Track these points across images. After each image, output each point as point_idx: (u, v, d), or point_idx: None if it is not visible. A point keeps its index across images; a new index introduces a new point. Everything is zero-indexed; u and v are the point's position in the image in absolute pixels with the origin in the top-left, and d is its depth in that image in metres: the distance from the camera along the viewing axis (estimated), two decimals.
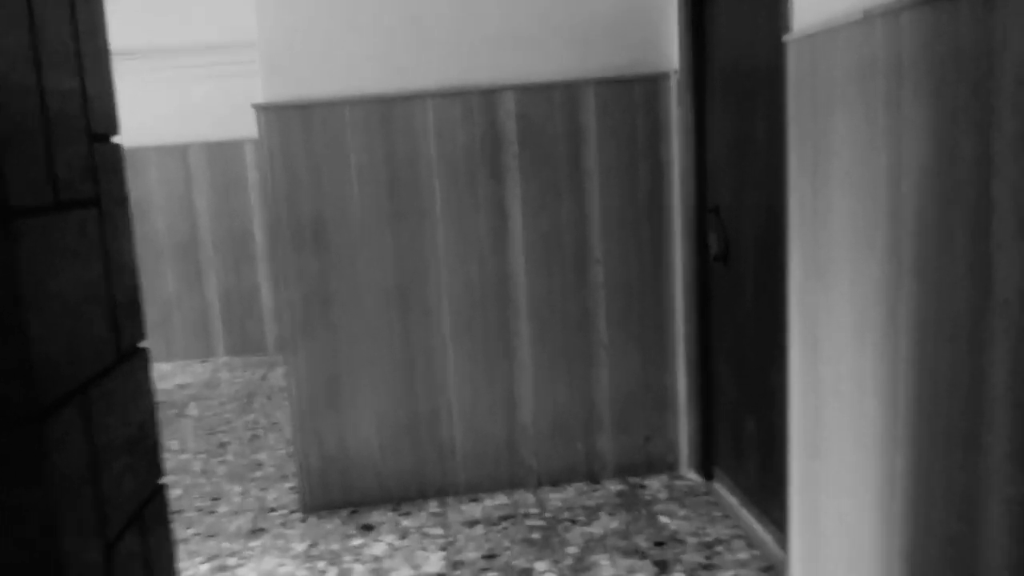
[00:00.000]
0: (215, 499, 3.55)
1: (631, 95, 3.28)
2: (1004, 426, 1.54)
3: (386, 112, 3.18)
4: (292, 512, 3.34)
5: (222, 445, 4.22)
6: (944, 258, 1.69)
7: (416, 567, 2.82)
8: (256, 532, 3.20)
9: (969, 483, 1.65)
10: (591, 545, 2.87)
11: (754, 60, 2.76)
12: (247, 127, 4.76)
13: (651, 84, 3.29)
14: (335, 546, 3.02)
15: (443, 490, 3.38)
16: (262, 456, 4.02)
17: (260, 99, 3.16)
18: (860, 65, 1.95)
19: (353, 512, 3.29)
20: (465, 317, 3.31)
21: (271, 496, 3.53)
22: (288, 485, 3.62)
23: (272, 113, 3.15)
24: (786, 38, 2.31)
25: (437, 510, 3.25)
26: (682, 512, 3.09)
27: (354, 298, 3.26)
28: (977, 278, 1.58)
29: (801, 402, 2.42)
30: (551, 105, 3.24)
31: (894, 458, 1.93)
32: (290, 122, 3.16)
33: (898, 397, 1.90)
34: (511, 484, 3.41)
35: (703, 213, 3.26)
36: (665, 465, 3.49)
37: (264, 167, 3.19)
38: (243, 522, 3.29)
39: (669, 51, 3.28)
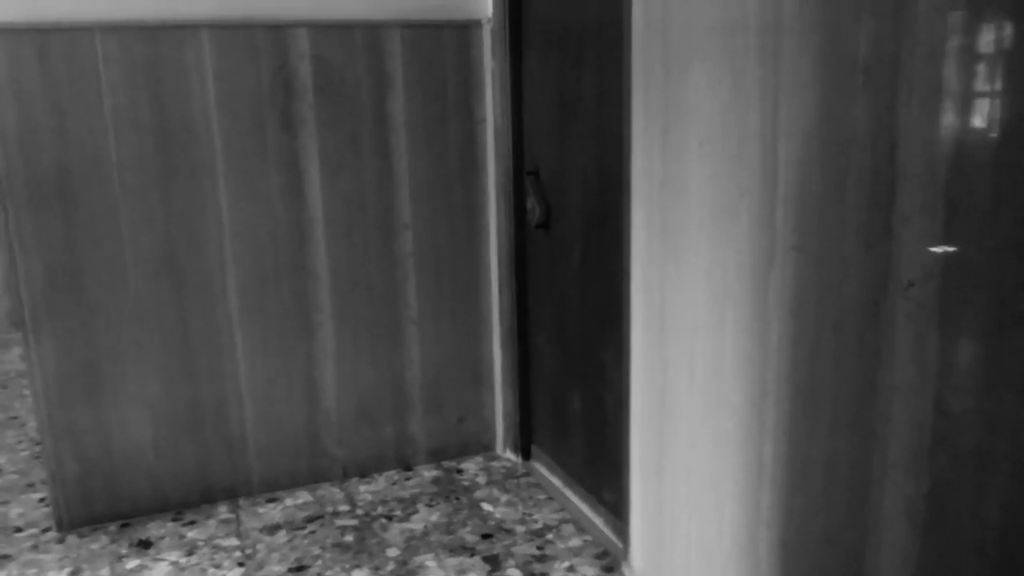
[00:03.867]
0: None
1: (441, 42, 2.94)
2: (904, 418, 1.42)
3: (150, 43, 2.62)
4: (45, 531, 2.75)
5: None
6: (832, 232, 1.54)
7: None
8: None
9: (858, 476, 1.54)
10: (414, 545, 2.57)
11: (583, 9, 2.53)
12: None
13: (462, 31, 2.96)
14: (103, 571, 2.50)
15: (234, 491, 2.93)
16: None
17: None
18: (727, 14, 1.76)
19: (124, 526, 2.77)
20: (255, 290, 2.86)
21: (15, 512, 2.90)
22: (37, 496, 3.00)
23: None
24: None
25: (228, 516, 2.81)
26: (504, 497, 2.88)
27: (114, 268, 2.70)
28: (876, 256, 1.44)
29: (644, 381, 2.26)
30: (352, 47, 2.83)
31: (762, 446, 1.80)
32: (21, 49, 2.51)
33: (768, 381, 1.76)
34: (314, 478, 3.02)
35: (521, 175, 3.01)
36: (480, 446, 3.26)
37: None
38: None
39: None
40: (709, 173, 1.87)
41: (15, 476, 3.18)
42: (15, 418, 3.76)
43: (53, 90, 2.56)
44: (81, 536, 2.71)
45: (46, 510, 2.87)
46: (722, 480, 1.94)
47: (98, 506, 2.78)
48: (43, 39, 2.52)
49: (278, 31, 2.75)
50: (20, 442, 3.49)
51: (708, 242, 1.90)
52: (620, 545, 2.47)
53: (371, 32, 2.85)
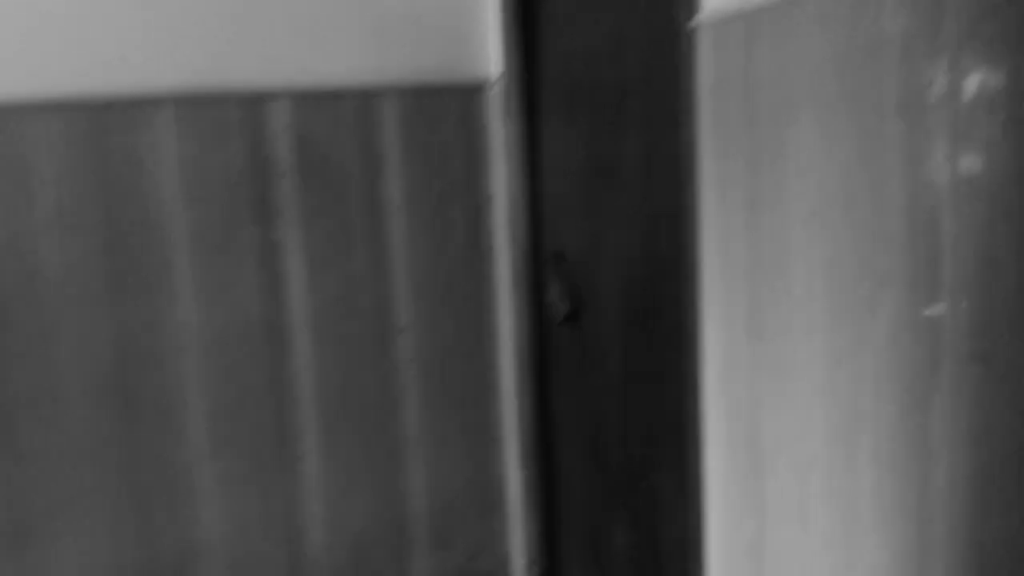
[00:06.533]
0: None
1: (441, 109, 2.52)
2: None
3: (97, 123, 2.17)
4: None
5: None
6: None
7: None
8: None
9: None
10: None
11: (618, 62, 2.11)
12: None
13: (466, 96, 2.55)
14: None
15: None
16: None
17: None
18: (846, 46, 1.33)
19: None
20: (225, 418, 2.34)
21: None
22: None
23: None
24: (696, 22, 1.67)
25: None
26: None
27: (50, 403, 2.18)
28: None
29: (728, 524, 1.76)
30: (339, 119, 2.40)
31: None
32: None
33: (933, 540, 1.27)
34: None
35: (539, 261, 2.56)
36: None
37: None
38: None
39: (487, 52, 2.57)
40: (826, 255, 1.41)
41: None
42: None
43: None
44: None
45: None
46: None
47: None
48: None
49: (253, 103, 2.31)
50: None
51: (826, 348, 1.43)
52: None
53: (361, 101, 2.42)
